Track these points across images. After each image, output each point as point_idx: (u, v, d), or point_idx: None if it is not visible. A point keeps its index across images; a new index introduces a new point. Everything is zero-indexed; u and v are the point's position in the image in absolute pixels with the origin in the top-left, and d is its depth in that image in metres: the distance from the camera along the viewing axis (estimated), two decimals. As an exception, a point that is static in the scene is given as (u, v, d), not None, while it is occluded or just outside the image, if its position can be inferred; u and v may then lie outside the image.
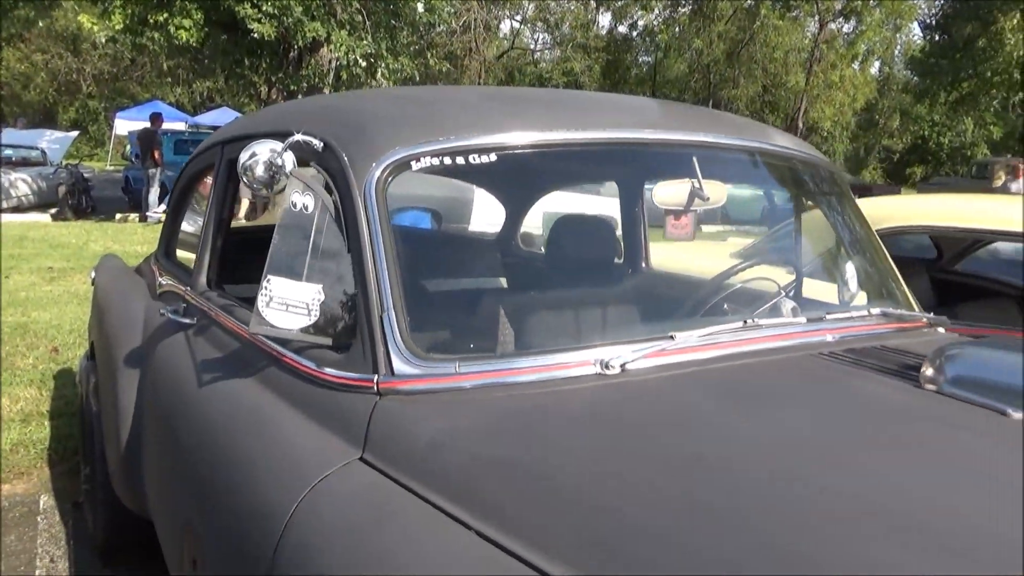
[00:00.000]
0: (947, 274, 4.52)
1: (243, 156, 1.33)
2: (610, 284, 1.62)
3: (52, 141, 17.05)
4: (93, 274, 3.46)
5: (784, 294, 1.67)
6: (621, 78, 38.96)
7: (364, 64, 11.90)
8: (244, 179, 1.35)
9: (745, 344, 1.22)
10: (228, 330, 1.64)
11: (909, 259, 4.85)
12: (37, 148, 15.49)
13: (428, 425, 1.05)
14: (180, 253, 2.57)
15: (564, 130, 1.39)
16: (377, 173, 1.27)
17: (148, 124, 13.65)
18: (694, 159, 1.48)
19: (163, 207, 12.76)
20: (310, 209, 1.30)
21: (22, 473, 3.45)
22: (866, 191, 13.99)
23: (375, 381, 1.14)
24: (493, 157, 1.30)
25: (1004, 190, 11.75)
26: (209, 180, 2.15)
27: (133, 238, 10.62)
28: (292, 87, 11.50)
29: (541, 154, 1.40)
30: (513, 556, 0.81)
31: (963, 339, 1.33)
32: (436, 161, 1.29)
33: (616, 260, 1.98)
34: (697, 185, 1.48)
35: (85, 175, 14.51)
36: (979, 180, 19.08)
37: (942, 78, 25.94)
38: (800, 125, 36.84)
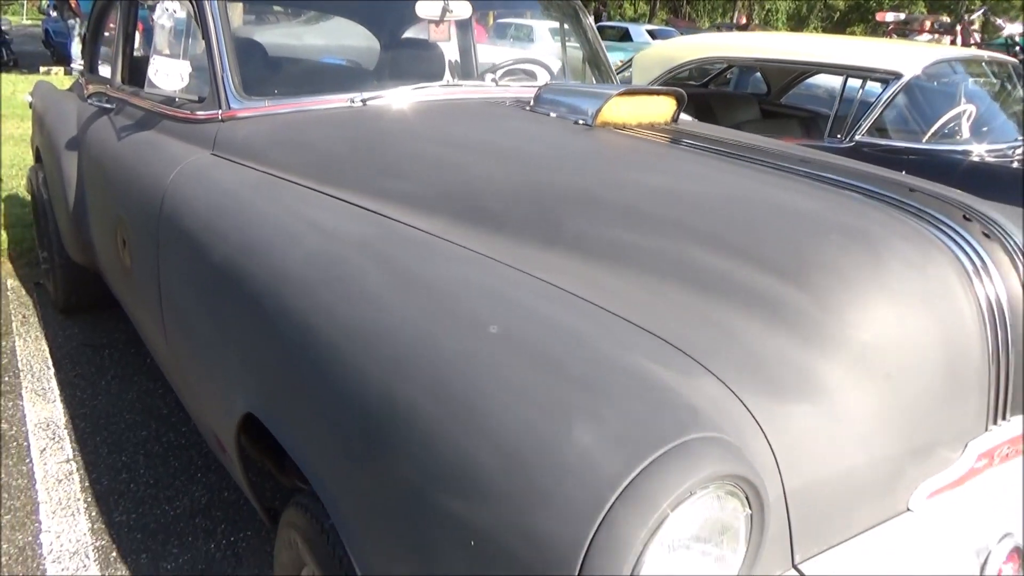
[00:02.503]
0: (772, 105, 5.38)
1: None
2: (395, 70, 2.39)
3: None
4: (30, 98, 4.07)
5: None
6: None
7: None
8: (136, -5, 2.06)
9: (447, 95, 2.02)
10: (136, 106, 2.39)
11: (744, 95, 5.70)
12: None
13: (246, 130, 1.85)
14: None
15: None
16: (218, -13, 2.01)
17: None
18: (445, -16, 2.24)
19: (87, 59, 12.76)
20: (177, 12, 2.04)
21: (-13, 266, 4.19)
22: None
23: (219, 114, 1.93)
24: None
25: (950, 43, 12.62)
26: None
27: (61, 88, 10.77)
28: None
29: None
30: (277, 178, 1.65)
31: (570, 88, 2.15)
32: (255, -21, 2.03)
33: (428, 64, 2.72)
34: (446, 3, 2.24)
35: (3, 27, 14.22)
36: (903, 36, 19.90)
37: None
38: (743, -19, 36.60)
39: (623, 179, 1.36)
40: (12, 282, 3.99)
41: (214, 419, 1.64)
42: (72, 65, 12.47)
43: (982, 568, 1.19)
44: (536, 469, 0.78)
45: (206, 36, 2.00)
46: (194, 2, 2.02)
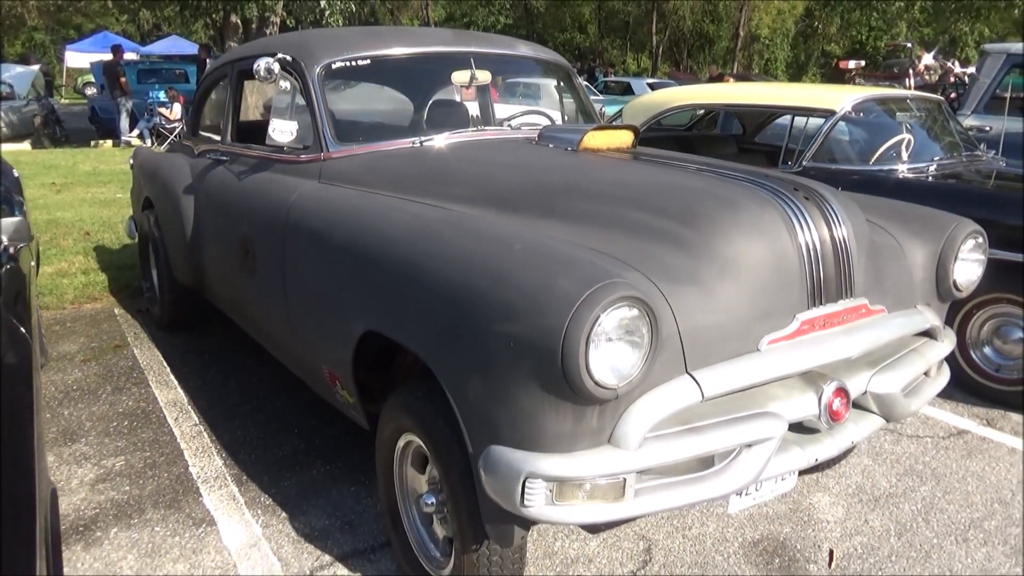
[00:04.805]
0: (747, 144, 6.23)
1: (254, 64, 2.92)
2: (440, 121, 3.25)
3: (14, 76, 17.75)
4: (131, 161, 5.01)
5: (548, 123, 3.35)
6: (571, -8, 39.65)
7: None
8: (257, 77, 2.95)
9: (477, 136, 2.88)
10: (250, 157, 3.27)
11: (724, 135, 6.56)
12: (4, 83, 16.29)
13: (342, 164, 2.71)
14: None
15: (403, 48, 3.02)
16: (317, 70, 2.89)
17: (105, 56, 14.65)
18: (471, 59, 3.12)
19: (135, 132, 13.97)
20: (288, 88, 2.93)
21: (95, 299, 5.07)
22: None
23: (321, 155, 2.80)
24: (368, 62, 2.94)
25: (902, 84, 13.66)
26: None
27: (114, 159, 11.90)
28: (248, 14, 12.70)
29: (395, 59, 3.03)
30: (370, 192, 2.50)
31: (562, 128, 3.01)
32: (343, 64, 2.91)
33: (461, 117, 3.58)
34: (473, 72, 3.12)
35: (54, 107, 15.58)
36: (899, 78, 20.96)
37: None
38: (741, 33, 38.16)
39: (592, 177, 2.20)
40: (118, 310, 4.87)
41: (330, 355, 2.45)
42: (123, 139, 13.67)
43: (819, 401, 1.97)
44: (542, 298, 1.58)
45: (309, 103, 2.88)
46: (300, 80, 2.92)
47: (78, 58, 27.89)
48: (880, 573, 2.43)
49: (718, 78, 15.75)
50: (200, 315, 4.33)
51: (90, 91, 22.00)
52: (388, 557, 2.44)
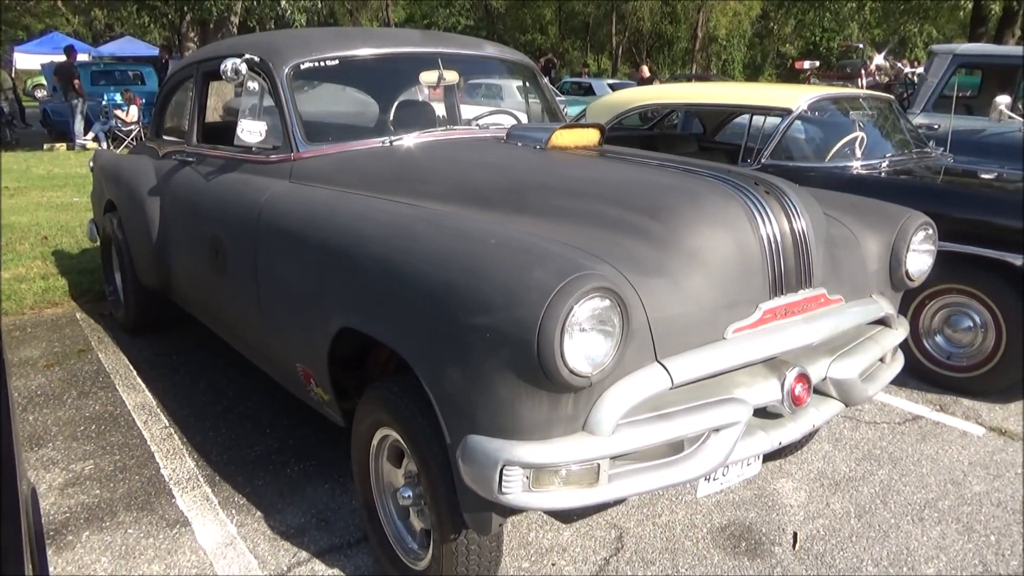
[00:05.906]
0: (707, 143, 6.35)
1: (222, 65, 2.92)
2: (409, 121, 3.29)
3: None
4: (91, 163, 4.93)
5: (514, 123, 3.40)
6: (534, -9, 39.83)
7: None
8: (224, 77, 2.95)
9: (446, 135, 2.92)
10: (217, 157, 3.27)
11: (685, 134, 6.67)
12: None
13: (312, 164, 2.72)
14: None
15: (371, 48, 3.05)
16: (285, 71, 2.90)
17: (55, 57, 14.29)
18: (439, 60, 3.16)
19: (90, 135, 13.69)
20: (256, 88, 2.93)
21: (55, 304, 4.98)
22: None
23: (291, 156, 2.81)
24: (336, 62, 2.96)
25: (855, 84, 14.05)
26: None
27: (68, 163, 11.67)
28: (205, 16, 12.52)
29: (363, 59, 3.06)
30: (343, 191, 2.52)
31: (530, 127, 3.07)
32: (311, 64, 2.93)
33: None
34: (441, 72, 3.16)
35: (5, 110, 15.18)
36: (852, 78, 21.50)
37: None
38: (699, 35, 38.74)
39: (562, 174, 2.26)
40: (80, 315, 4.79)
41: (305, 353, 2.47)
42: (77, 141, 13.37)
43: (782, 386, 2.05)
44: (518, 290, 1.63)
45: (278, 104, 2.89)
46: (268, 80, 2.92)
47: (27, 59, 27.22)
48: (841, 553, 2.53)
49: (648, 80, 16.11)
50: (167, 318, 4.29)
51: (40, 93, 21.45)
52: (365, 552, 2.46)
